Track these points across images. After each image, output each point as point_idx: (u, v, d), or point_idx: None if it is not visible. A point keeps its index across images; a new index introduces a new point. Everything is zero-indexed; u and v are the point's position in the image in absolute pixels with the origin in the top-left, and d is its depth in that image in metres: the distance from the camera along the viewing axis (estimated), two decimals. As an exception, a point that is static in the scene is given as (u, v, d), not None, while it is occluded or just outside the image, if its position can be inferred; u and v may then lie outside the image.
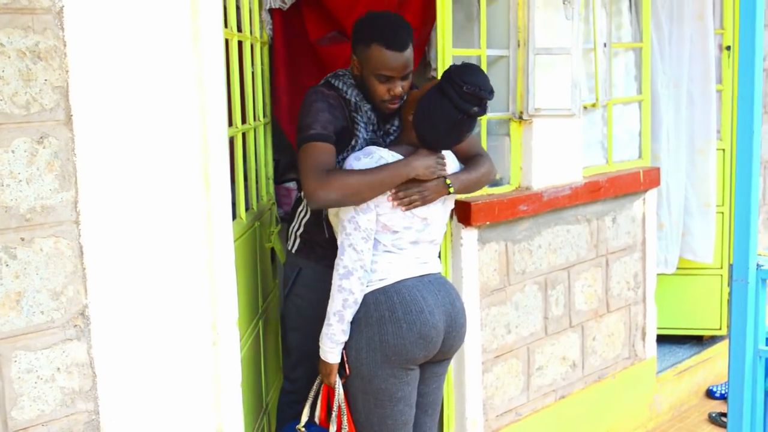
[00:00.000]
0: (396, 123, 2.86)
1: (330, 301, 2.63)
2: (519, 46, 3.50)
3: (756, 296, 2.31)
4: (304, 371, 3.07)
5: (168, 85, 2.28)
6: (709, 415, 4.45)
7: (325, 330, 2.64)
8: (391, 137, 2.86)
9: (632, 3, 4.19)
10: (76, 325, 2.17)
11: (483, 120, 3.44)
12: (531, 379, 3.65)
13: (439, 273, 2.79)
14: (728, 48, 4.77)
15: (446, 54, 3.22)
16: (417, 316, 2.61)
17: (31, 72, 2.04)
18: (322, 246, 2.98)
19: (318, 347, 2.68)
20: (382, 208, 2.61)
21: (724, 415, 4.18)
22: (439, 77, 3.23)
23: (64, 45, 2.09)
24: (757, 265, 2.29)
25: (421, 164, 2.61)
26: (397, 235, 2.64)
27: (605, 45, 3.85)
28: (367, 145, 2.80)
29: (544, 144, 3.58)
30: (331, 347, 2.62)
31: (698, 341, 4.99)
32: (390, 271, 2.65)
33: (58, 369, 2.14)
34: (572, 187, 3.66)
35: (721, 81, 4.76)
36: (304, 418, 2.73)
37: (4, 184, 2.02)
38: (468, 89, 2.52)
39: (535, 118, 3.51)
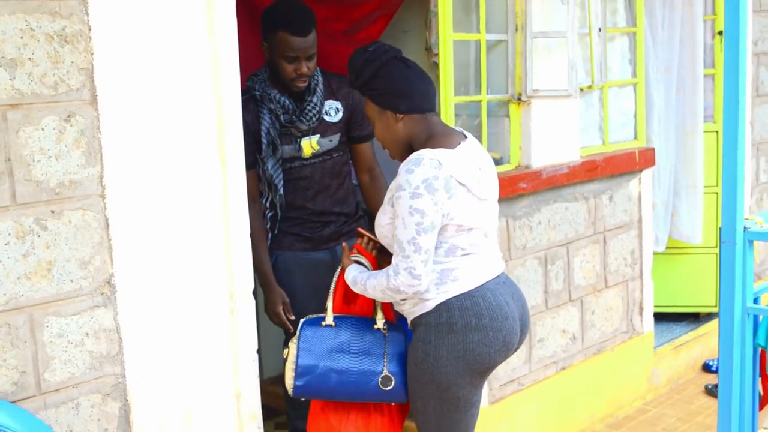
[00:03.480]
0: (312, 99, 3.12)
1: (370, 288, 2.51)
2: (517, 30, 3.63)
3: (743, 257, 2.43)
4: None
5: (185, 67, 2.42)
6: (706, 387, 4.58)
7: (359, 290, 2.55)
8: (308, 114, 3.10)
9: (626, -12, 4.32)
10: (102, 293, 2.30)
11: (483, 101, 3.57)
12: (533, 350, 3.78)
13: (504, 270, 2.66)
14: (720, 33, 4.90)
15: (447, 38, 3.35)
16: (503, 322, 2.47)
17: (59, 54, 2.18)
18: (289, 234, 3.23)
19: None
20: (457, 208, 2.41)
21: (720, 386, 4.32)
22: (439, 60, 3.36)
23: (89, 29, 2.22)
24: (744, 227, 2.42)
25: (270, 305, 3.12)
26: (472, 233, 2.47)
27: (600, 30, 3.97)
28: (278, 133, 3.06)
29: (542, 124, 3.71)
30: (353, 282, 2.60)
31: (695, 319, 5.12)
32: (473, 275, 2.48)
33: (87, 334, 2.28)
34: (570, 165, 3.79)
35: (714, 65, 4.89)
36: (330, 314, 2.66)
37: (35, 159, 2.15)
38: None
39: (533, 99, 3.64)
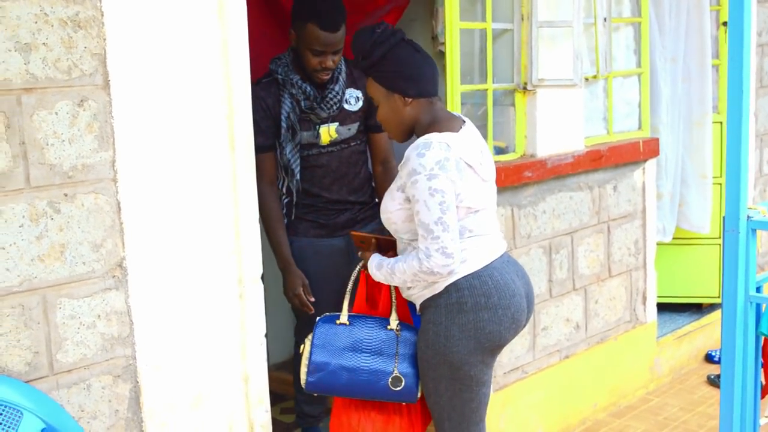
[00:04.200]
0: (334, 88, 3.13)
1: (399, 272, 2.50)
2: (523, 19, 3.65)
3: (747, 246, 2.46)
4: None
5: (195, 52, 2.44)
6: (708, 378, 4.61)
7: (383, 275, 2.56)
8: (329, 102, 3.11)
9: (631, -21, 4.34)
10: (114, 276, 2.33)
11: (489, 90, 3.59)
12: (537, 339, 3.81)
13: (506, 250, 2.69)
14: (725, 24, 4.91)
15: (454, 27, 3.37)
16: (510, 300, 2.51)
17: (72, 40, 2.20)
18: (304, 220, 3.26)
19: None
20: (466, 189, 2.45)
21: (722, 376, 4.34)
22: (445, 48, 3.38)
23: (102, 15, 2.25)
24: (748, 216, 2.45)
25: (289, 287, 3.13)
26: (479, 214, 2.51)
27: (605, 19, 3.99)
28: (298, 118, 3.07)
29: (547, 113, 3.73)
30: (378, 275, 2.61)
31: (698, 309, 5.14)
32: (480, 255, 2.51)
33: (99, 316, 2.31)
34: (575, 155, 3.82)
35: (719, 56, 4.91)
36: (345, 312, 2.70)
37: (49, 143, 2.18)
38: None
39: (538, 88, 3.66)
